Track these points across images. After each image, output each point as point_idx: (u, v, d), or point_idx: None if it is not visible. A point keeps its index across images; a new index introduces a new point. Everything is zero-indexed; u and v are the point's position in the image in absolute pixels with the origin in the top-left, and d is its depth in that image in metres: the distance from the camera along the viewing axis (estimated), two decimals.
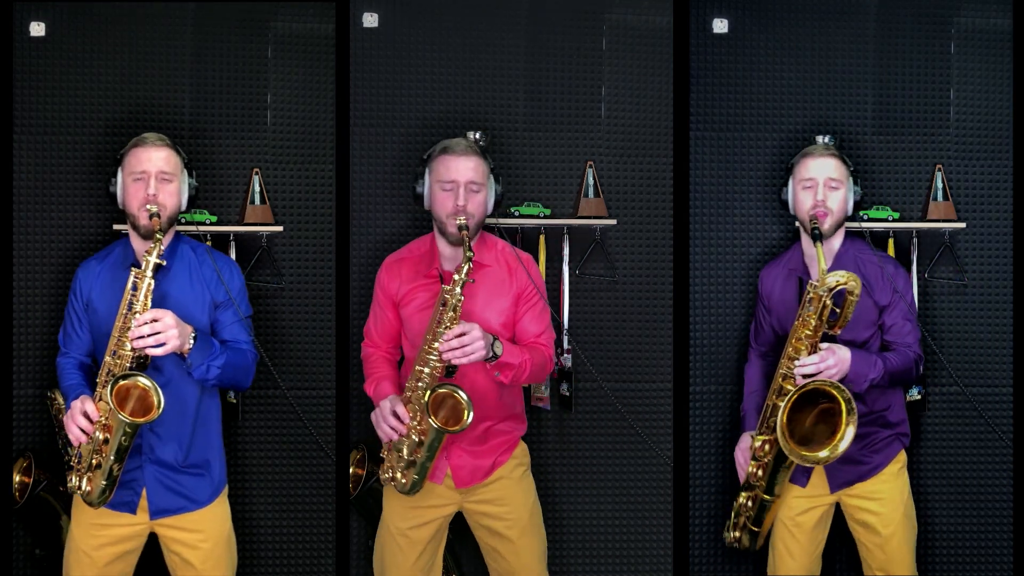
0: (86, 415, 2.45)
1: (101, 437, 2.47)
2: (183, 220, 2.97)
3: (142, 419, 2.42)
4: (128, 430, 2.44)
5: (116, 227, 2.98)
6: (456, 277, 2.58)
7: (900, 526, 2.79)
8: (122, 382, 2.44)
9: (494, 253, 2.78)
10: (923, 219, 3.12)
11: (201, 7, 3.08)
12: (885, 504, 2.79)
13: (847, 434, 2.56)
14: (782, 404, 2.60)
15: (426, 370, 2.61)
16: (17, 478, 2.94)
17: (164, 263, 2.53)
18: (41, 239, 3.03)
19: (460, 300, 2.58)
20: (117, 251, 2.70)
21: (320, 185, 3.14)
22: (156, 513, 2.63)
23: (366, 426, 3.14)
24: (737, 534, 2.90)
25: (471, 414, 2.58)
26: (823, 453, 2.59)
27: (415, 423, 2.63)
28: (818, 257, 2.63)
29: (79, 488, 2.52)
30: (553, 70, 3.18)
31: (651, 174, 3.20)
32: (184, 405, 2.64)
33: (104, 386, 2.47)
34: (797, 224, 2.89)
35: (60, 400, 2.93)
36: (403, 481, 2.69)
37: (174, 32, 3.07)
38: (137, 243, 2.65)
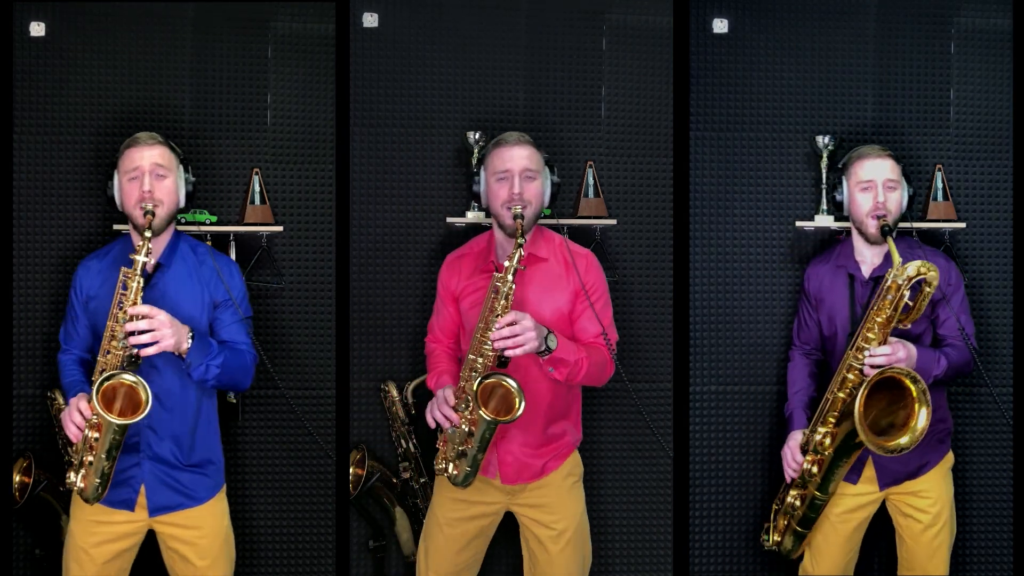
0: (80, 412, 2.46)
1: (92, 435, 2.47)
2: (183, 220, 2.98)
3: (127, 419, 2.41)
4: (116, 429, 2.44)
5: (116, 227, 2.98)
6: (507, 264, 2.55)
7: (943, 526, 2.80)
8: (107, 383, 2.43)
9: (552, 247, 2.75)
10: (923, 219, 3.12)
11: (201, 7, 3.08)
12: (932, 503, 2.79)
13: (921, 417, 2.53)
14: (858, 391, 2.55)
15: (479, 360, 2.58)
16: (17, 478, 2.94)
17: (151, 260, 2.52)
18: (41, 239, 3.03)
19: (512, 288, 2.54)
20: (117, 249, 2.71)
21: (320, 185, 3.14)
22: (155, 510, 2.63)
23: (366, 426, 3.14)
24: (778, 537, 2.88)
25: (523, 402, 2.53)
26: (904, 439, 2.55)
27: (467, 413, 2.60)
28: (891, 250, 2.61)
29: (75, 485, 2.53)
30: (553, 70, 3.18)
31: (651, 174, 3.20)
32: (183, 404, 2.64)
33: (93, 385, 2.46)
34: (812, 229, 2.87)
35: (60, 400, 2.93)
36: (454, 472, 2.66)
37: (174, 32, 3.08)
38: (138, 241, 2.64)
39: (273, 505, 3.15)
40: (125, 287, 2.48)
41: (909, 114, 3.17)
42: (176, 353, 2.52)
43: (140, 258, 2.47)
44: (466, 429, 2.60)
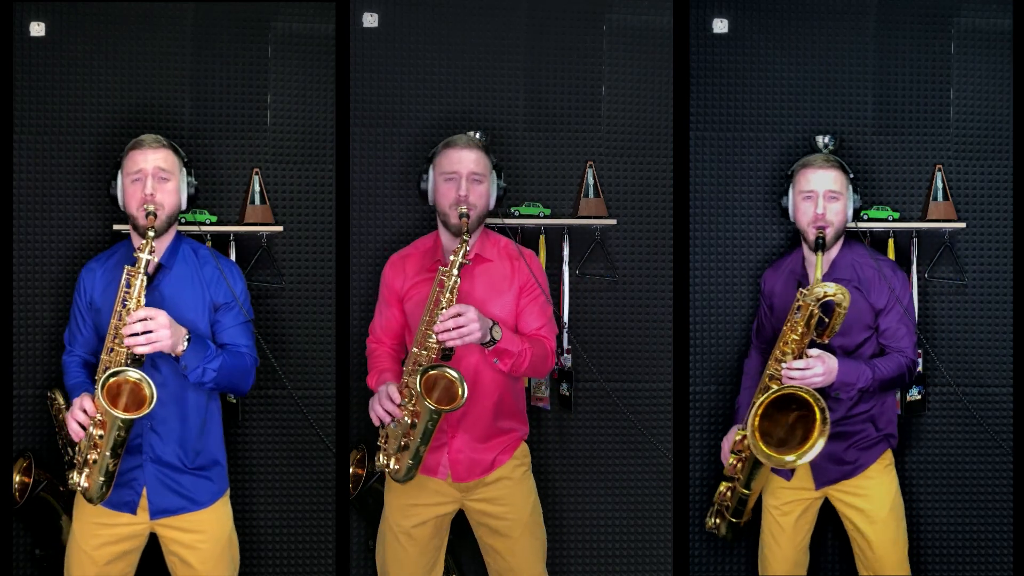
0: (84, 411, 2.46)
1: (96, 433, 2.47)
2: (183, 220, 2.98)
3: (132, 414, 2.42)
4: (121, 425, 2.44)
5: (116, 227, 2.99)
6: (452, 258, 2.59)
7: (886, 523, 2.81)
8: (112, 379, 2.44)
9: (497, 248, 2.79)
10: (923, 219, 3.13)
11: (201, 7, 3.08)
12: (871, 500, 2.81)
13: (817, 445, 2.60)
14: (753, 409, 2.64)
15: (424, 353, 2.61)
16: (17, 478, 2.94)
17: (154, 259, 2.53)
18: (41, 239, 3.03)
19: (457, 281, 2.58)
20: (120, 251, 2.71)
21: (320, 185, 3.14)
22: (156, 513, 2.62)
23: (366, 426, 3.14)
24: (716, 520, 2.96)
25: (465, 391, 2.56)
26: (789, 458, 2.63)
27: (409, 405, 2.62)
28: (817, 265, 2.67)
29: (78, 484, 2.52)
30: (553, 70, 3.18)
31: (651, 174, 3.20)
32: (186, 406, 2.63)
33: (97, 383, 2.47)
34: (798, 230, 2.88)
35: (60, 400, 2.93)
36: (396, 467, 2.68)
37: (174, 32, 3.08)
38: (138, 243, 2.64)
39: (273, 505, 3.15)
40: (129, 285, 2.48)
41: (909, 114, 3.17)
42: (172, 355, 2.52)
43: (144, 256, 2.48)
44: (408, 421, 2.62)
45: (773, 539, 2.90)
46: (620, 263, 3.19)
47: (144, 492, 2.61)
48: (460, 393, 2.56)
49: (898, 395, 3.04)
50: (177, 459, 2.63)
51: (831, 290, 2.61)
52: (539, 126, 3.16)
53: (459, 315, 2.54)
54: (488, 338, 2.58)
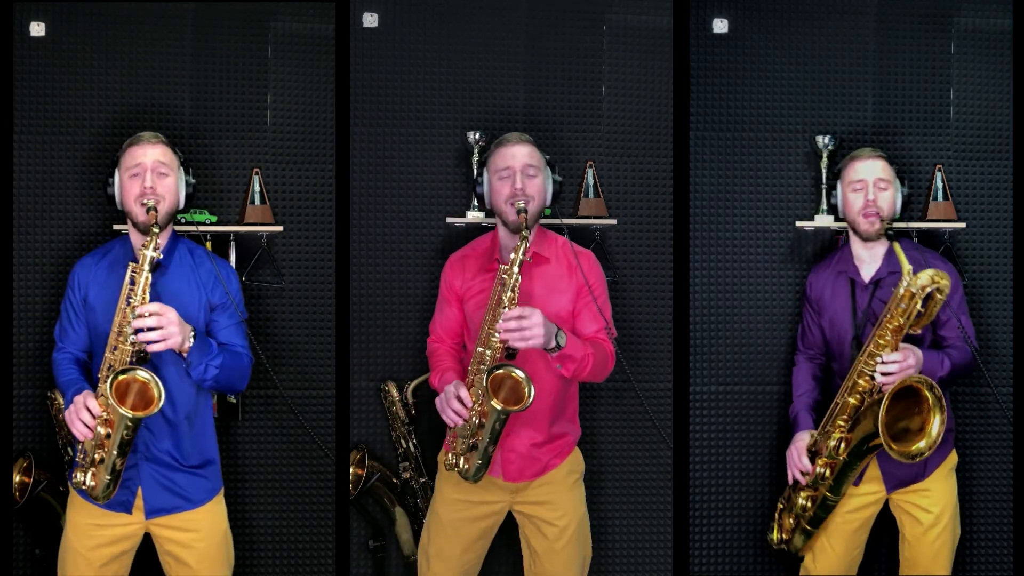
0: (89, 410, 2.44)
1: (103, 432, 2.46)
2: (183, 220, 2.98)
3: (142, 413, 2.42)
4: (129, 424, 2.43)
5: (116, 227, 2.98)
6: (513, 256, 2.57)
7: (946, 526, 2.80)
8: (121, 377, 2.43)
9: (555, 247, 2.77)
10: (923, 219, 3.12)
11: (201, 7, 3.08)
12: (935, 502, 2.80)
13: (936, 423, 2.57)
14: (881, 400, 2.56)
15: (487, 352, 2.59)
16: (17, 478, 2.94)
17: (160, 256, 2.51)
18: (41, 239, 3.03)
19: (518, 279, 2.55)
20: (116, 248, 2.70)
21: (320, 185, 3.14)
22: (152, 512, 2.62)
23: (366, 426, 3.14)
24: (785, 536, 2.89)
25: (532, 391, 2.54)
26: (921, 443, 2.58)
27: (476, 405, 2.60)
28: (900, 258, 2.63)
29: (84, 484, 2.51)
30: (553, 70, 3.18)
31: (651, 174, 3.20)
32: (179, 404, 2.63)
33: (104, 381, 2.46)
34: (811, 229, 2.88)
35: (60, 400, 2.93)
36: (465, 467, 2.66)
37: (174, 32, 3.08)
38: (136, 240, 2.64)
39: (273, 505, 3.15)
40: (133, 282, 2.47)
41: (909, 114, 3.17)
42: (177, 351, 2.51)
43: (149, 252, 2.47)
44: (476, 421, 2.61)
45: (830, 547, 2.85)
46: (620, 263, 3.19)
47: (139, 492, 2.61)
48: (527, 393, 2.54)
49: None
50: (171, 457, 2.62)
51: (937, 277, 2.56)
52: (539, 126, 3.16)
53: (523, 317, 2.51)
54: (553, 344, 2.55)
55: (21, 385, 3.02)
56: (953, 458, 2.86)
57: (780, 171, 3.15)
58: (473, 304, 2.75)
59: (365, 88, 3.12)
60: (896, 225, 3.08)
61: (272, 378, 3.04)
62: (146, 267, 2.47)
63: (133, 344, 2.46)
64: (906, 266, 2.60)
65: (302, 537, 3.16)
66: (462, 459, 2.67)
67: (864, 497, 2.82)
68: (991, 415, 3.16)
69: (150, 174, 2.57)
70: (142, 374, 2.44)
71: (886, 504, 2.87)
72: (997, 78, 3.17)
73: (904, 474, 2.80)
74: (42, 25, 3.03)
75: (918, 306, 2.59)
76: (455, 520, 2.78)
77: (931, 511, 2.79)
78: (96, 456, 2.48)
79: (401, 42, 3.13)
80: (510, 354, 2.58)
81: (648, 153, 3.20)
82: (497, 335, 2.55)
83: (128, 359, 2.47)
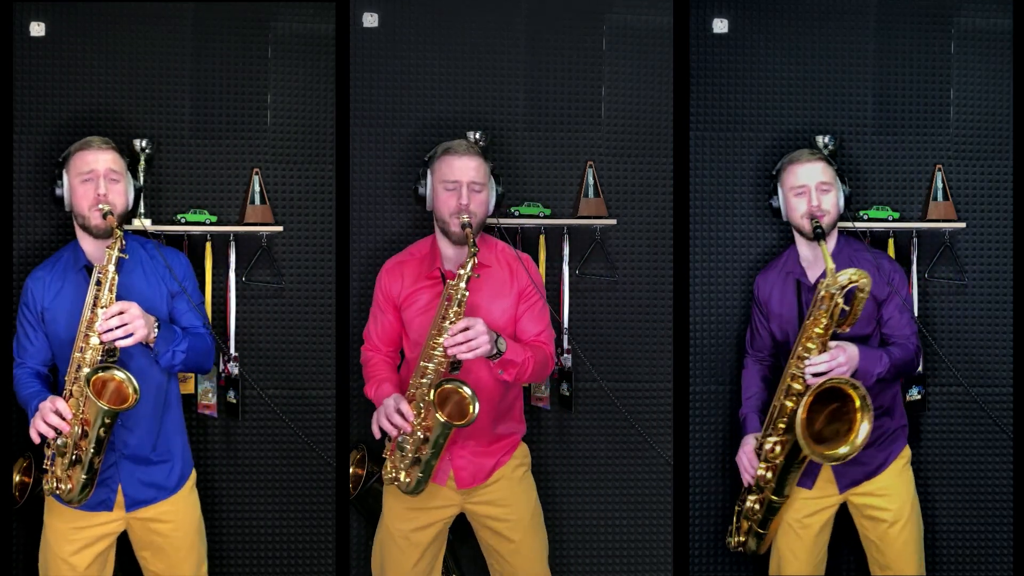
0: (58, 413, 2.46)
1: (79, 431, 2.49)
2: (184, 220, 3.01)
3: (121, 406, 2.45)
4: (107, 420, 2.47)
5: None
6: (461, 272, 2.60)
7: (908, 521, 2.80)
8: (97, 375, 2.47)
9: (495, 253, 2.79)
10: (923, 219, 3.12)
11: (201, 7, 3.08)
12: (893, 499, 2.80)
13: (862, 429, 2.57)
14: (800, 403, 2.58)
15: (430, 366, 2.62)
16: (17, 478, 2.94)
17: (127, 256, 2.56)
18: (41, 239, 3.02)
19: (465, 295, 2.59)
20: (66, 256, 2.71)
21: (320, 185, 3.14)
22: (132, 505, 2.65)
23: (366, 426, 3.13)
24: (742, 539, 2.90)
25: (477, 407, 2.58)
26: (843, 450, 2.58)
27: (420, 419, 2.63)
28: (824, 256, 2.64)
29: (57, 488, 2.53)
30: (553, 70, 3.17)
31: (651, 174, 3.20)
32: (150, 394, 2.65)
33: (75, 381, 2.49)
34: (791, 228, 2.88)
35: None
36: (407, 480, 2.69)
37: (174, 32, 3.08)
38: (88, 244, 2.66)
39: (273, 505, 3.15)
40: (99, 283, 2.51)
41: (909, 114, 3.17)
42: (145, 343, 2.54)
43: (115, 253, 2.51)
44: (420, 435, 2.63)
45: (792, 554, 2.86)
46: (620, 263, 3.19)
47: (119, 488, 2.64)
48: (471, 409, 2.58)
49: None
50: (148, 450, 2.65)
51: (854, 276, 2.57)
52: (539, 126, 3.16)
53: (468, 328, 2.54)
54: (495, 351, 2.58)
55: None
56: (906, 453, 2.86)
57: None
58: (413, 311, 2.77)
59: (365, 88, 3.12)
60: (897, 225, 3.09)
61: (275, 377, 3.04)
62: (111, 268, 2.51)
63: (102, 343, 2.49)
64: (829, 265, 2.61)
65: (302, 537, 3.16)
66: (403, 473, 2.69)
67: (819, 500, 2.83)
68: (991, 415, 3.15)
69: (103, 180, 2.60)
70: (118, 374, 2.49)
71: (844, 505, 2.88)
72: (997, 78, 3.17)
73: (856, 474, 2.80)
74: (42, 25, 3.03)
75: (840, 305, 2.60)
76: (406, 531, 2.80)
77: (890, 508, 2.80)
78: (73, 456, 2.50)
79: (401, 42, 3.13)
80: (453, 367, 2.60)
81: (648, 153, 3.20)
82: (440, 349, 2.58)
83: (99, 358, 2.49)
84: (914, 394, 3.09)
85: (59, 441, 2.50)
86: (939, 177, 3.13)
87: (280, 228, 3.09)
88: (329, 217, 3.13)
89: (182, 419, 2.79)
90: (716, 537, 3.17)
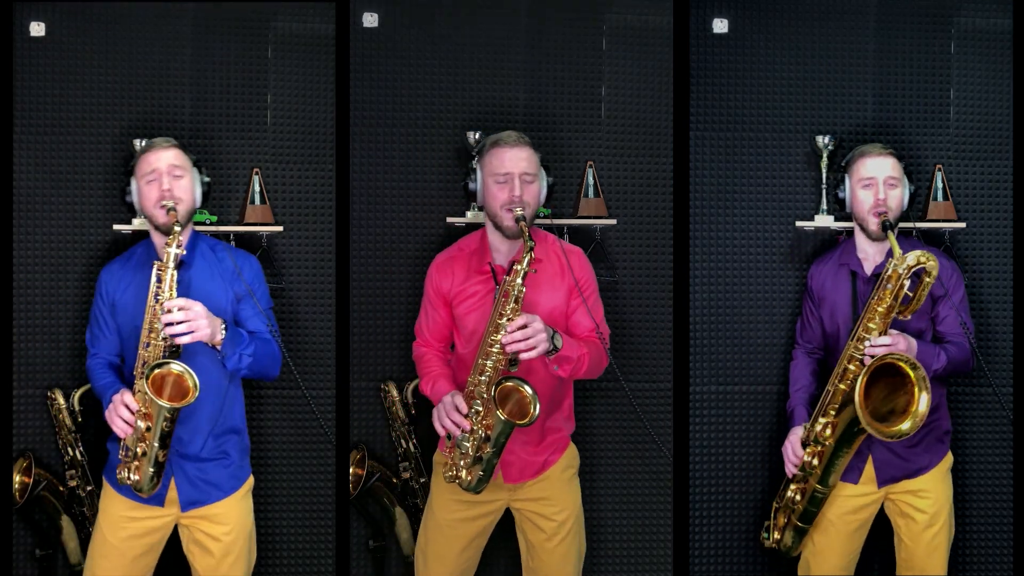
0: (126, 406, 2.50)
1: (143, 426, 2.51)
2: None
3: (179, 403, 2.48)
4: (168, 415, 2.49)
5: (116, 227, 2.99)
6: (517, 267, 2.56)
7: (942, 526, 2.81)
8: (156, 371, 2.49)
9: (546, 247, 2.76)
10: (923, 219, 3.12)
11: (201, 7, 3.08)
12: (931, 502, 2.80)
13: (922, 400, 2.55)
14: (859, 377, 2.56)
15: (488, 363, 2.58)
16: (17, 478, 2.94)
17: (184, 252, 2.57)
18: (41, 239, 3.03)
19: (522, 291, 2.55)
20: (139, 251, 2.75)
21: (320, 185, 3.14)
22: (188, 505, 2.66)
23: (366, 426, 3.14)
24: (777, 536, 2.89)
25: (538, 407, 2.55)
26: (905, 424, 2.57)
27: (480, 418, 2.60)
28: (892, 243, 2.64)
29: (128, 479, 2.55)
30: (553, 70, 3.17)
31: (651, 174, 3.20)
32: (211, 396, 2.66)
33: (140, 377, 2.52)
34: (812, 229, 2.87)
35: (61, 400, 2.94)
36: (468, 479, 2.66)
37: (174, 32, 3.08)
38: (159, 241, 2.68)
39: (273, 505, 3.15)
40: (159, 280, 2.53)
41: (909, 114, 3.17)
42: (211, 344, 2.56)
43: (172, 250, 2.53)
44: (482, 434, 2.61)
45: (829, 549, 2.85)
46: (620, 263, 3.19)
47: (172, 484, 2.65)
48: (532, 409, 2.55)
49: None
50: (203, 449, 2.67)
51: (922, 257, 2.58)
52: (539, 126, 3.16)
53: (526, 326, 2.52)
54: (551, 346, 2.56)
55: (21, 385, 3.02)
56: (949, 459, 2.86)
57: (780, 171, 3.15)
58: (465, 307, 2.75)
59: (365, 88, 3.12)
60: (897, 225, 3.09)
61: (288, 375, 3.04)
62: (171, 264, 2.52)
63: (164, 339, 2.51)
64: (897, 250, 2.62)
65: (302, 537, 3.16)
66: (464, 471, 2.66)
67: (861, 498, 2.82)
68: (991, 415, 3.16)
69: (166, 177, 2.63)
70: (176, 367, 2.50)
71: (882, 509, 2.87)
72: (997, 78, 3.17)
73: (897, 470, 2.80)
74: (42, 25, 3.03)
75: (905, 287, 2.60)
76: (453, 520, 2.78)
77: (927, 511, 2.80)
78: (138, 450, 2.53)
79: (401, 42, 3.13)
80: (512, 363, 2.57)
81: (648, 153, 3.20)
82: (499, 346, 2.55)
83: (161, 354, 2.52)
84: None
85: (128, 436, 2.53)
86: (939, 177, 3.13)
87: (280, 228, 3.09)
88: (329, 217, 3.13)
89: (244, 422, 2.79)
90: (716, 537, 3.17)
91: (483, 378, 2.59)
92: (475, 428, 2.60)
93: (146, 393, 2.47)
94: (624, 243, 3.20)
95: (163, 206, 2.60)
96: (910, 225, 3.09)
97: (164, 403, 2.46)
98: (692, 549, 3.17)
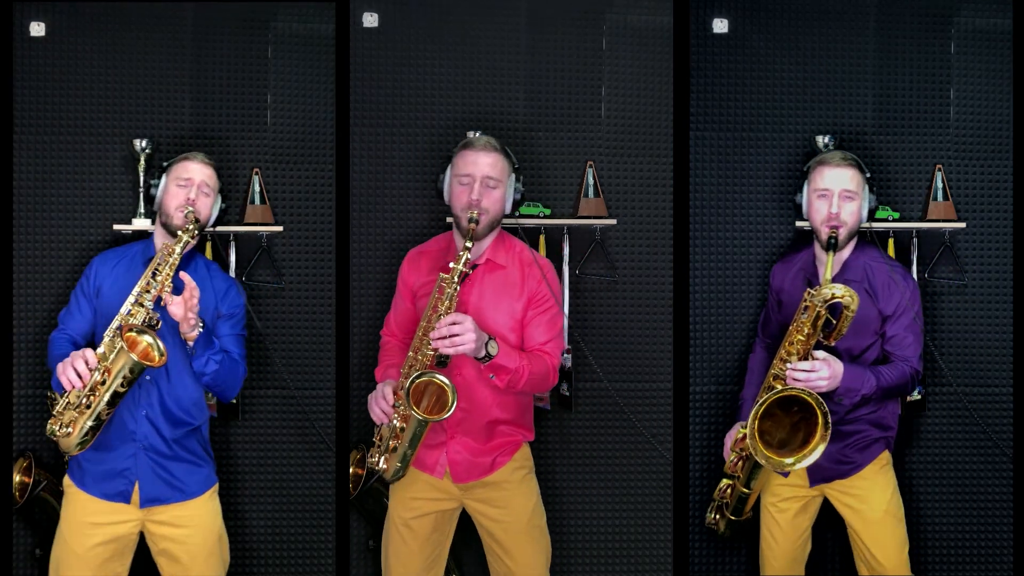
0: (85, 360, 2.49)
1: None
2: None
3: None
4: (128, 374, 2.50)
5: (116, 227, 2.99)
6: (453, 266, 2.58)
7: (883, 523, 2.80)
8: (132, 334, 2.52)
9: (511, 254, 2.77)
10: (923, 219, 3.12)
11: (201, 7, 3.08)
12: (866, 500, 2.80)
13: (816, 450, 2.58)
14: (761, 402, 2.61)
15: (419, 357, 2.62)
16: (17, 478, 2.94)
17: (192, 244, 2.67)
18: (41, 239, 3.03)
19: (456, 289, 2.59)
20: (137, 248, 2.78)
21: (320, 185, 3.14)
22: (147, 502, 2.65)
23: (366, 426, 3.14)
24: (716, 516, 2.95)
25: (455, 401, 2.56)
26: (788, 460, 2.61)
27: (400, 409, 2.63)
28: (827, 264, 2.64)
29: (58, 432, 2.53)
30: (553, 70, 3.18)
31: (651, 174, 3.20)
32: (185, 395, 2.68)
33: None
34: (809, 228, 2.85)
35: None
36: (384, 467, 2.70)
37: (174, 32, 3.08)
38: (159, 239, 2.74)
39: (273, 505, 3.15)
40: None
41: (909, 114, 3.17)
42: (184, 339, 2.59)
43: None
44: (398, 425, 2.63)
45: (771, 536, 2.90)
46: (620, 263, 3.19)
47: (136, 485, 2.64)
48: (450, 402, 2.57)
49: None
50: (168, 446, 2.66)
51: (839, 292, 2.58)
52: (539, 126, 3.16)
53: (455, 323, 2.54)
54: (483, 352, 2.57)
55: (21, 385, 3.03)
56: (884, 457, 2.84)
57: (780, 171, 3.15)
58: (425, 301, 2.76)
59: (365, 88, 3.12)
60: (897, 225, 3.09)
61: (275, 377, 3.04)
62: (177, 248, 2.59)
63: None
64: (827, 277, 2.62)
65: (302, 537, 3.16)
66: (383, 459, 2.70)
67: (792, 488, 2.86)
68: (991, 415, 3.16)
69: (195, 188, 2.71)
70: (146, 337, 2.54)
71: (827, 502, 2.89)
72: (997, 78, 3.17)
73: (827, 472, 2.80)
74: (42, 25, 3.03)
75: (824, 316, 2.62)
76: (407, 519, 2.80)
77: (865, 508, 2.80)
78: (85, 401, 2.52)
79: (401, 42, 3.13)
80: (440, 362, 2.59)
81: (648, 153, 3.20)
82: (429, 342, 2.57)
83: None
84: (914, 394, 3.09)
85: (76, 390, 2.51)
86: (939, 177, 3.13)
87: (280, 228, 3.09)
88: (329, 217, 3.13)
89: (208, 429, 2.80)
90: (716, 537, 3.17)
91: (412, 371, 2.62)
92: (391, 419, 2.63)
93: (119, 347, 2.48)
94: (624, 243, 3.20)
95: (183, 210, 2.67)
96: (911, 226, 3.11)
97: (134, 356, 2.47)
98: (692, 549, 3.17)
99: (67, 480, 2.69)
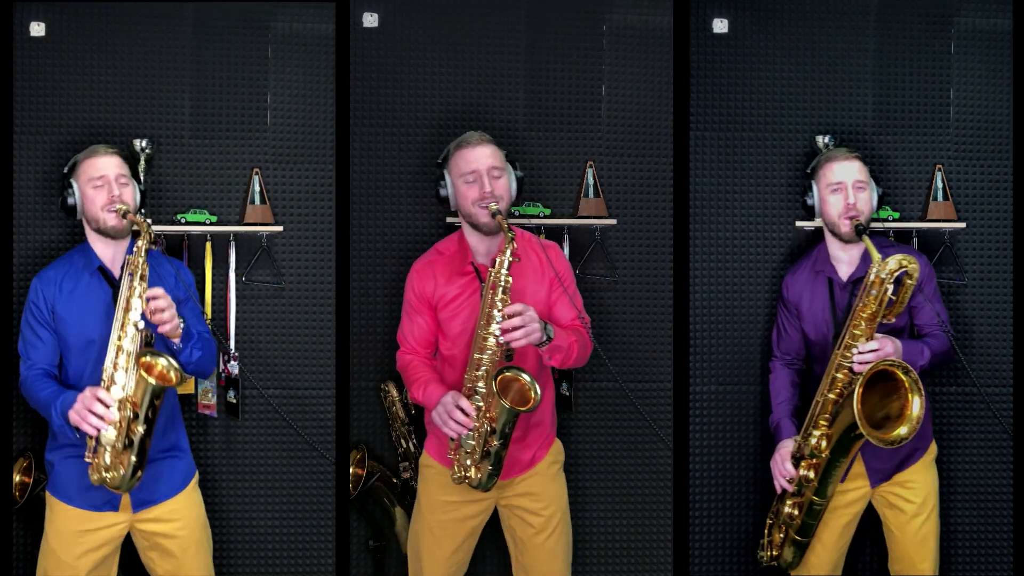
0: (102, 402, 2.45)
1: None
2: (185, 220, 3.02)
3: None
4: (155, 400, 2.49)
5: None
6: (500, 258, 2.59)
7: (930, 514, 2.82)
8: (145, 358, 2.51)
9: (522, 242, 2.77)
10: (923, 219, 3.12)
11: (201, 7, 3.08)
12: (917, 492, 2.81)
13: (915, 404, 2.56)
14: (855, 385, 2.55)
15: (484, 357, 2.60)
16: (17, 478, 2.94)
17: (156, 247, 2.64)
18: (41, 239, 3.03)
19: (509, 281, 2.59)
20: (76, 258, 2.71)
21: (320, 185, 3.14)
22: (139, 505, 2.65)
23: (366, 426, 3.14)
24: (775, 552, 2.88)
25: (539, 392, 2.58)
26: (903, 429, 2.57)
27: (482, 412, 2.61)
28: (869, 247, 2.65)
29: (105, 479, 2.52)
30: (553, 70, 3.17)
31: (651, 174, 3.20)
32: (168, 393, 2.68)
33: (118, 367, 2.51)
34: (813, 228, 2.86)
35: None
36: (478, 476, 2.66)
37: (174, 32, 3.08)
38: (100, 247, 2.69)
39: (273, 505, 3.15)
40: (131, 275, 2.54)
41: (909, 114, 3.17)
42: (170, 338, 2.58)
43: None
44: (487, 428, 2.61)
45: (819, 541, 2.85)
46: (620, 263, 3.19)
47: None
48: (533, 394, 2.58)
49: None
50: (152, 449, 2.63)
51: (904, 260, 2.59)
52: (539, 126, 3.16)
53: (519, 314, 2.54)
54: (544, 337, 2.58)
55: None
56: (933, 449, 2.87)
57: (780, 171, 3.15)
58: (450, 310, 2.75)
59: (365, 88, 3.12)
60: (897, 225, 3.09)
61: (275, 377, 3.04)
62: (141, 259, 2.54)
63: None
64: (875, 255, 2.63)
65: (302, 537, 3.16)
66: (473, 469, 2.67)
67: (850, 493, 2.83)
68: (991, 415, 3.16)
69: (115, 183, 2.64)
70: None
71: (870, 504, 2.88)
72: (997, 78, 3.17)
73: (888, 467, 2.81)
74: (42, 25, 3.03)
75: (889, 292, 2.61)
76: (443, 521, 2.79)
77: (914, 501, 2.81)
78: (125, 440, 2.49)
79: (401, 42, 3.13)
80: (508, 356, 2.60)
81: (648, 153, 3.20)
82: (493, 338, 2.56)
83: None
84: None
85: (105, 432, 2.48)
86: (939, 177, 3.13)
87: (280, 228, 3.09)
88: (329, 217, 3.13)
89: (182, 419, 2.81)
90: (717, 538, 3.17)
91: (480, 372, 2.61)
92: (479, 424, 2.61)
93: (138, 375, 2.47)
94: (624, 243, 3.20)
95: (116, 210, 2.61)
96: (911, 226, 3.10)
97: (154, 381, 2.46)
98: (692, 549, 3.17)
99: (49, 496, 2.66)
